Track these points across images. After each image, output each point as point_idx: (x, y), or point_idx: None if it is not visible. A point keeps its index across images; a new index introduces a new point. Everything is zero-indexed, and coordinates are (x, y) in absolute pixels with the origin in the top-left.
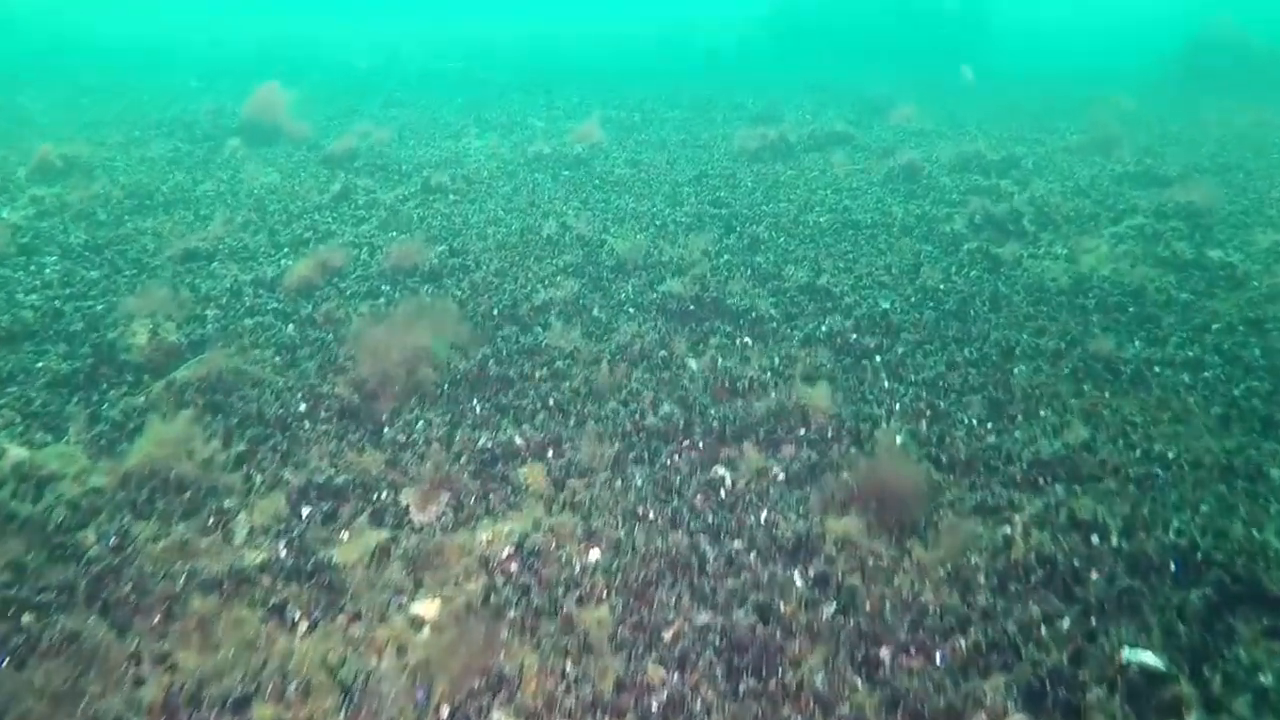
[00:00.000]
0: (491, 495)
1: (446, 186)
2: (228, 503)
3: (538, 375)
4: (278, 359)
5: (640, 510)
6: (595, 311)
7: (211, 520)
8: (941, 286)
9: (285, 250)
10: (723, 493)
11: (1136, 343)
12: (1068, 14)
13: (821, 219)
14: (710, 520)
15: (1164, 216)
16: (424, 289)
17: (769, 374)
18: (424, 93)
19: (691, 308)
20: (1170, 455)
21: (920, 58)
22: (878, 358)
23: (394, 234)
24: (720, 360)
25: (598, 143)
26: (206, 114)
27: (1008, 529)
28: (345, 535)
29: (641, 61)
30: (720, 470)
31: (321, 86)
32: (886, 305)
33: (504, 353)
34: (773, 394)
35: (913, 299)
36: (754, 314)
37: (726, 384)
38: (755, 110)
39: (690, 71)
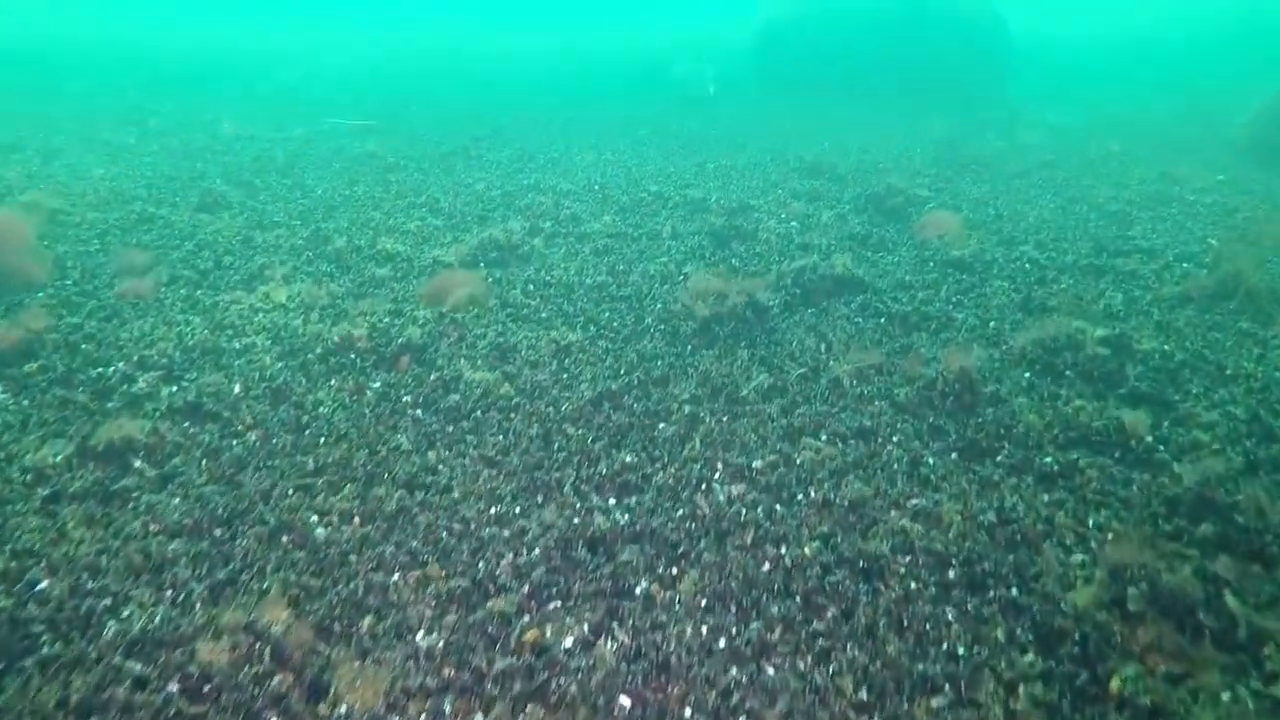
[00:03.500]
0: None
1: (114, 448)
2: None
3: None
4: None
5: None
6: None
7: None
8: None
9: None
10: None
11: None
12: (1077, 30)
13: (811, 569)
14: None
15: None
16: None
17: None
18: (281, 178)
19: None
20: None
21: (935, 92)
22: None
23: None
24: None
25: (459, 303)
26: None
27: None
28: None
29: (602, 95)
30: None
31: (158, 161)
32: None
33: None
34: None
35: None
36: None
37: None
38: (719, 215)
39: (655, 120)
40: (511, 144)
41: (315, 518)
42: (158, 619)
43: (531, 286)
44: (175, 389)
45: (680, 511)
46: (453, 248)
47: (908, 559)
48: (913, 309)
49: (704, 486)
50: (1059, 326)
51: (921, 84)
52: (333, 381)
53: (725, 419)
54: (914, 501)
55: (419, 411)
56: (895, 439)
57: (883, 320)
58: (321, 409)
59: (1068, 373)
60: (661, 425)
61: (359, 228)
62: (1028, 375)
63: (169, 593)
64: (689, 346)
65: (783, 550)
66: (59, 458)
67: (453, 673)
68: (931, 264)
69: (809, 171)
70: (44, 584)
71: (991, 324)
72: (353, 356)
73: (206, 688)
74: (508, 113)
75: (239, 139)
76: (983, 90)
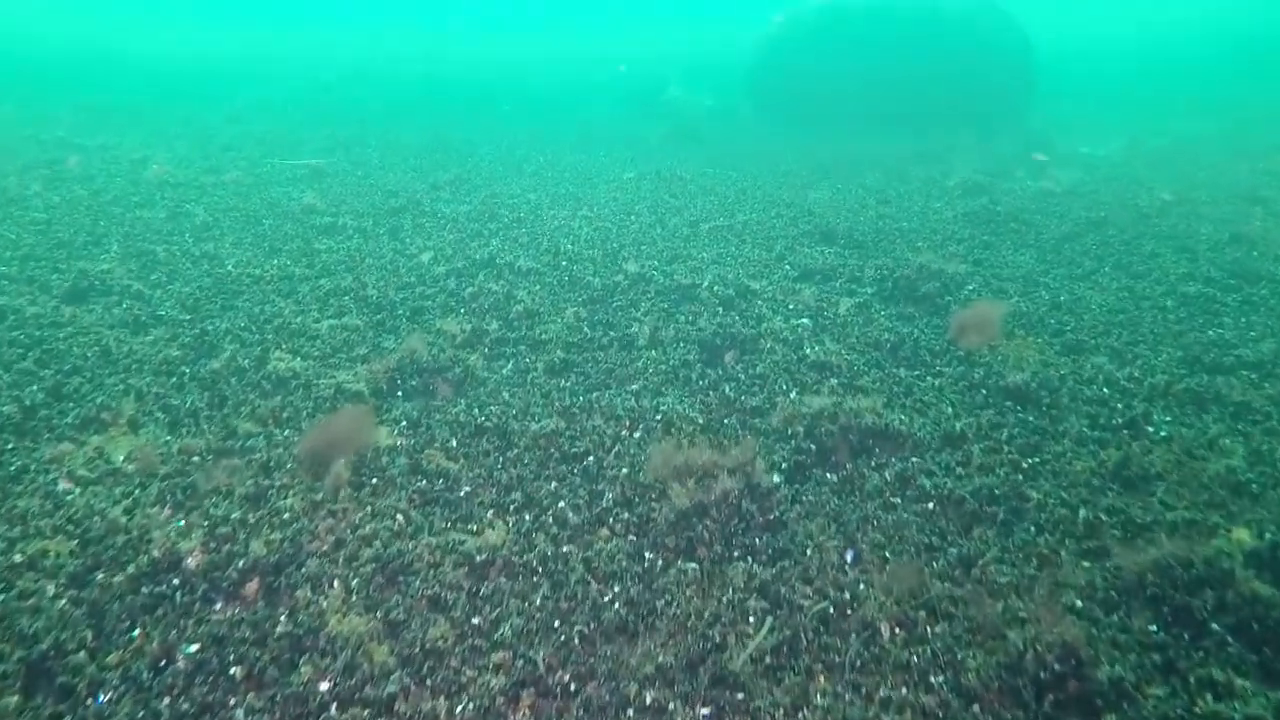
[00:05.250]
0: None
1: None
2: None
3: None
4: None
5: None
6: None
7: None
8: None
9: None
10: None
11: None
12: (1093, 31)
13: None
14: None
15: None
16: None
17: None
18: (192, 244)
19: None
20: None
21: (954, 119)
22: None
23: None
24: None
25: (343, 479)
26: None
27: None
28: None
29: (590, 120)
30: None
31: (55, 218)
32: None
33: None
34: None
35: None
36: None
37: None
38: (712, 310)
39: (646, 156)
40: (477, 192)
41: None
42: None
43: (454, 441)
44: None
45: None
46: (365, 367)
47: None
48: (970, 487)
49: None
50: (1189, 546)
51: (939, 110)
52: (135, 633)
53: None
54: None
55: (240, 710)
56: None
57: (930, 505)
58: (97, 698)
59: (1214, 625)
60: None
61: (256, 329)
62: (1155, 629)
63: None
64: (660, 557)
65: None
66: None
67: None
68: (984, 392)
69: (821, 235)
70: None
71: (1082, 512)
72: (176, 583)
73: None
74: (479, 147)
75: (163, 186)
76: (1006, 117)
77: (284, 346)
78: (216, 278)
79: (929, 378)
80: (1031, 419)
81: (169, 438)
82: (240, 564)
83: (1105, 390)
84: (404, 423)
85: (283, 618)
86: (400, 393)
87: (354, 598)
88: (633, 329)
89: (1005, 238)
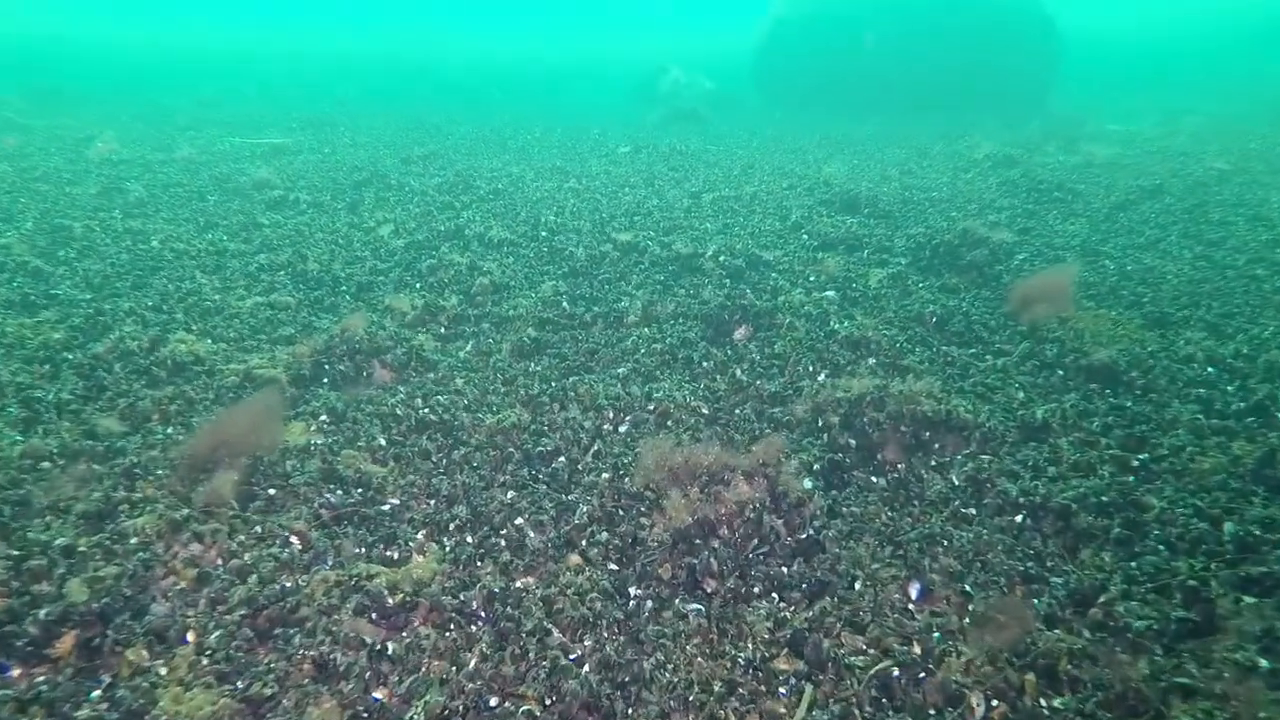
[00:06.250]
0: None
1: None
2: None
3: None
4: None
5: None
6: None
7: None
8: None
9: None
10: None
11: None
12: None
13: None
14: None
15: None
16: None
17: None
18: (120, 219)
19: None
20: None
21: (973, 99)
22: None
23: None
24: None
25: (227, 487)
26: None
27: None
28: None
29: (584, 107)
30: None
31: None
32: None
33: None
34: None
35: None
36: None
37: None
38: (718, 281)
39: (642, 137)
40: (453, 165)
41: None
42: None
43: (383, 439)
44: None
45: None
46: (288, 350)
47: None
48: (1069, 493)
49: None
50: None
51: (958, 91)
52: None
53: None
54: None
55: None
56: None
57: (1019, 517)
58: None
59: None
60: None
61: (165, 308)
62: None
63: None
64: (651, 595)
65: None
66: None
67: None
68: (1060, 373)
69: (842, 204)
70: None
71: (1228, 525)
72: None
73: None
74: (460, 125)
75: (104, 163)
76: (1028, 97)
77: (193, 327)
78: (136, 254)
79: (988, 356)
80: (1128, 405)
81: (17, 437)
82: (46, 612)
83: (1210, 370)
84: (324, 416)
85: (96, 693)
86: (326, 380)
87: (206, 660)
88: (622, 303)
89: (1050, 207)
